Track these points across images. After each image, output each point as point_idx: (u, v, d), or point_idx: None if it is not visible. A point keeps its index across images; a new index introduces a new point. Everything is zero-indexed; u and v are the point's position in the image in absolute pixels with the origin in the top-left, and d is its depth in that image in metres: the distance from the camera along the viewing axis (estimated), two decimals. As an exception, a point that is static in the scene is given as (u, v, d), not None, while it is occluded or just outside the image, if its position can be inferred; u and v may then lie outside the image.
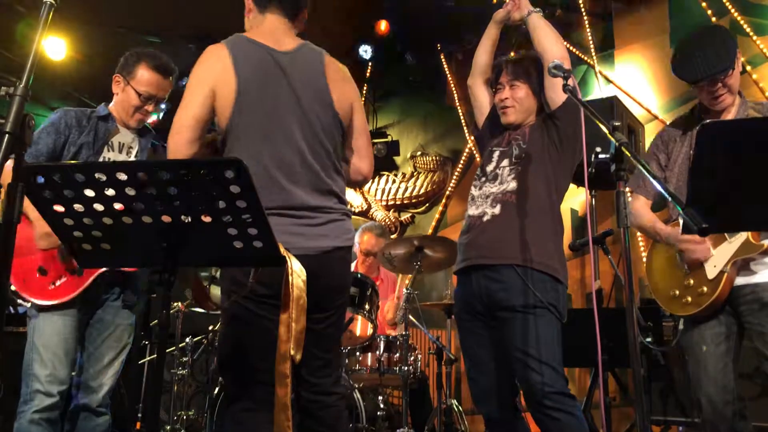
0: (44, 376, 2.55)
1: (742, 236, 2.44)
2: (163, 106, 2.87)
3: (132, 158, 2.83)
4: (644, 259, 4.66)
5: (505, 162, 2.57)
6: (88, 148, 2.71)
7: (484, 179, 2.63)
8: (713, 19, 4.69)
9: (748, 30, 4.52)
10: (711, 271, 2.49)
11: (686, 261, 2.58)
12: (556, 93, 2.49)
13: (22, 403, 2.56)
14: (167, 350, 4.66)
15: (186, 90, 2.06)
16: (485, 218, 2.52)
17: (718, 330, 2.50)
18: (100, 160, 2.71)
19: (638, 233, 4.73)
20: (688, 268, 2.57)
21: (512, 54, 2.81)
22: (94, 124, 2.75)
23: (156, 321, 1.70)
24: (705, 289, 2.49)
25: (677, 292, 2.59)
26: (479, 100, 2.80)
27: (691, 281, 2.55)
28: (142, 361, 4.87)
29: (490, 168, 2.62)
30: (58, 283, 2.63)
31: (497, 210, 2.50)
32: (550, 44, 2.53)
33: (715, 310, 2.50)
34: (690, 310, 2.54)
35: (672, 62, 2.62)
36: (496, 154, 2.64)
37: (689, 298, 2.54)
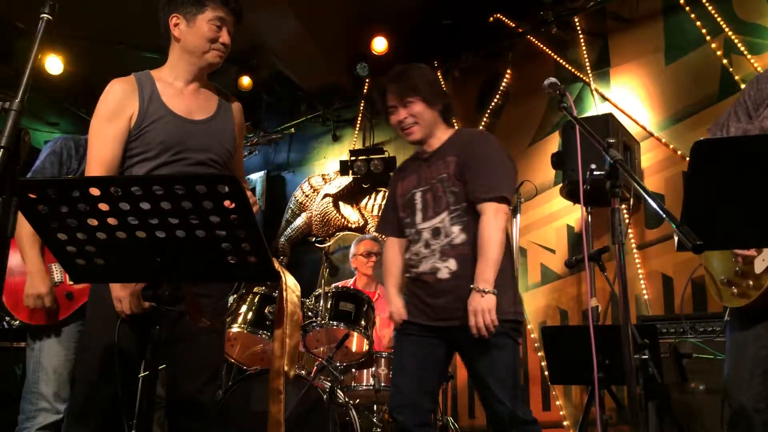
0: (51, 394, 2.58)
1: None
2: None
3: None
4: (640, 277, 4.66)
5: (441, 215, 2.45)
6: None
7: (414, 232, 2.51)
8: (707, 38, 4.72)
9: (742, 49, 4.54)
10: (759, 265, 2.19)
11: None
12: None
13: (25, 420, 2.56)
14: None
15: None
16: (440, 275, 2.41)
17: (763, 332, 2.22)
18: None
19: (634, 250, 4.72)
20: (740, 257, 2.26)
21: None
22: None
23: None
24: (751, 283, 2.21)
25: (726, 279, 2.32)
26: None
27: (742, 270, 2.26)
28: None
29: (419, 219, 2.50)
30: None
31: (452, 265, 2.40)
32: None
33: (765, 308, 2.21)
34: (736, 303, 2.27)
35: None
36: (418, 196, 2.53)
37: (736, 290, 2.27)
